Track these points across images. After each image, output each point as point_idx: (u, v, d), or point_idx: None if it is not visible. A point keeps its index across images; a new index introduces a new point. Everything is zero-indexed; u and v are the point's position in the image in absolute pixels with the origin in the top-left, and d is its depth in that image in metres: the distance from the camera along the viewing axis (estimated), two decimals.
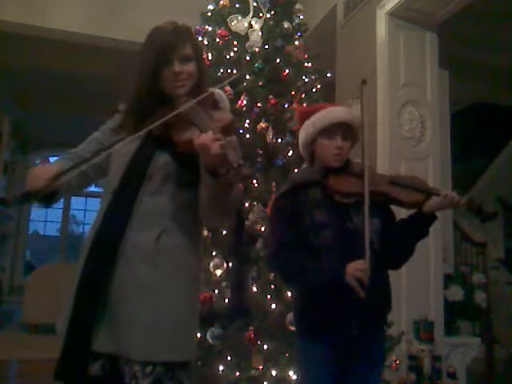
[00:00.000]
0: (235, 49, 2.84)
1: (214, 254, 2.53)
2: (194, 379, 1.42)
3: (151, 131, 1.30)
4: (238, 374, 2.32)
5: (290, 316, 2.28)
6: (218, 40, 2.89)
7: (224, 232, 2.55)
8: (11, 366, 3.98)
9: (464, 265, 4.48)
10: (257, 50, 2.83)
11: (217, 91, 1.50)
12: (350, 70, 3.73)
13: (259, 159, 2.68)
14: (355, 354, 1.63)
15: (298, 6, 3.11)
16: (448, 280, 3.54)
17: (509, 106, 6.01)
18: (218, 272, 2.48)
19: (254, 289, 2.45)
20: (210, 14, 3.05)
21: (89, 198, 9.70)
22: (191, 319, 1.37)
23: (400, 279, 3.00)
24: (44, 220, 10.01)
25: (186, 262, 1.36)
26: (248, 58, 2.80)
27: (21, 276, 8.17)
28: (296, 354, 1.83)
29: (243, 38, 2.87)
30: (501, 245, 5.64)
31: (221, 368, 2.33)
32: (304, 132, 1.76)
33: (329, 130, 1.68)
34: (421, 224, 1.66)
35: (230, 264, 2.48)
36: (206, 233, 2.51)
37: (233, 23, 2.89)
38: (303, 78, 2.90)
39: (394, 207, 1.73)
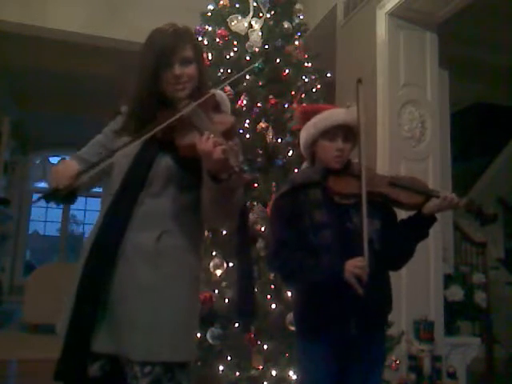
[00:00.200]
0: (235, 49, 2.84)
1: (213, 253, 2.53)
2: (194, 380, 1.42)
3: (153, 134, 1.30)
4: (237, 374, 2.32)
5: (290, 316, 2.28)
6: (218, 40, 2.89)
7: (224, 232, 2.55)
8: (11, 366, 3.98)
9: (464, 265, 4.48)
10: (257, 49, 2.83)
11: (218, 93, 1.50)
12: (350, 70, 3.73)
13: (259, 159, 2.68)
14: (355, 354, 1.63)
15: (298, 6, 3.11)
16: (448, 280, 3.54)
17: (509, 106, 6.01)
18: (218, 272, 2.48)
19: (255, 289, 2.45)
20: (210, 13, 3.05)
21: (89, 198, 9.69)
22: (191, 319, 1.37)
23: (400, 279, 3.00)
24: (44, 220, 10.01)
25: (187, 262, 1.36)
26: (248, 57, 2.80)
27: (21, 276, 8.18)
28: (296, 354, 1.83)
29: (243, 38, 2.88)
30: (501, 245, 5.64)
31: (221, 368, 2.33)
32: (305, 133, 1.76)
33: (330, 132, 1.69)
34: (420, 225, 1.67)
35: (234, 264, 2.47)
36: (206, 233, 2.51)
37: (233, 23, 2.89)
38: (303, 77, 2.90)
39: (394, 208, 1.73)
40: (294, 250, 1.65)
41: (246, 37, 2.87)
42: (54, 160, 8.78)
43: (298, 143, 1.86)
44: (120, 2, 4.30)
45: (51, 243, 10.08)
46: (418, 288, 3.19)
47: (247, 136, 2.65)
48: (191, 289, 1.37)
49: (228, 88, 2.63)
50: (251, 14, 2.91)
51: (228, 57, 2.82)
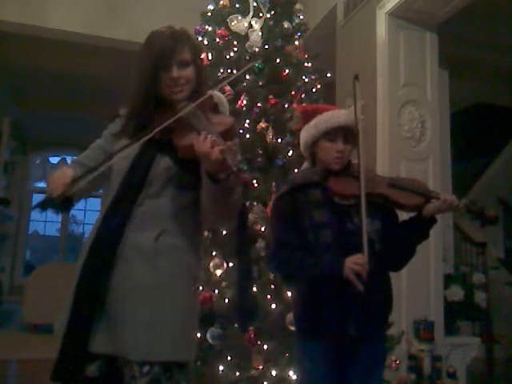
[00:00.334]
0: (235, 49, 2.84)
1: (214, 253, 2.53)
2: (193, 380, 1.42)
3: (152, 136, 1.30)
4: (237, 374, 2.32)
5: (290, 316, 2.27)
6: (218, 40, 2.89)
7: (224, 232, 2.55)
8: (11, 366, 3.98)
9: (464, 265, 4.48)
10: (257, 49, 2.83)
11: (216, 94, 1.50)
12: (350, 70, 3.72)
13: (259, 159, 2.68)
14: (355, 354, 1.63)
15: (298, 6, 3.11)
16: (448, 280, 3.55)
17: (509, 106, 6.00)
18: (218, 272, 2.48)
19: (254, 289, 2.44)
20: (210, 13, 3.05)
21: (89, 198, 9.69)
22: (190, 319, 1.37)
23: (400, 279, 3.00)
24: (44, 220, 10.00)
25: (186, 262, 1.36)
26: (248, 57, 2.80)
27: (21, 276, 8.17)
28: (296, 354, 1.83)
29: (243, 38, 2.88)
30: (501, 245, 5.64)
31: (221, 368, 2.33)
32: (306, 133, 1.77)
33: (331, 133, 1.69)
34: (421, 227, 1.67)
35: (234, 264, 2.47)
36: (206, 233, 2.51)
37: (233, 23, 2.89)
38: (303, 78, 2.90)
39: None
40: (294, 250, 1.65)
41: (246, 37, 2.87)
42: (53, 160, 8.78)
43: (298, 143, 1.86)
44: (120, 2, 4.30)
45: (51, 243, 10.08)
46: (418, 288, 3.19)
47: (247, 136, 2.65)
48: (190, 288, 1.37)
49: (228, 88, 2.63)
50: (251, 14, 2.91)
51: (228, 57, 2.82)
